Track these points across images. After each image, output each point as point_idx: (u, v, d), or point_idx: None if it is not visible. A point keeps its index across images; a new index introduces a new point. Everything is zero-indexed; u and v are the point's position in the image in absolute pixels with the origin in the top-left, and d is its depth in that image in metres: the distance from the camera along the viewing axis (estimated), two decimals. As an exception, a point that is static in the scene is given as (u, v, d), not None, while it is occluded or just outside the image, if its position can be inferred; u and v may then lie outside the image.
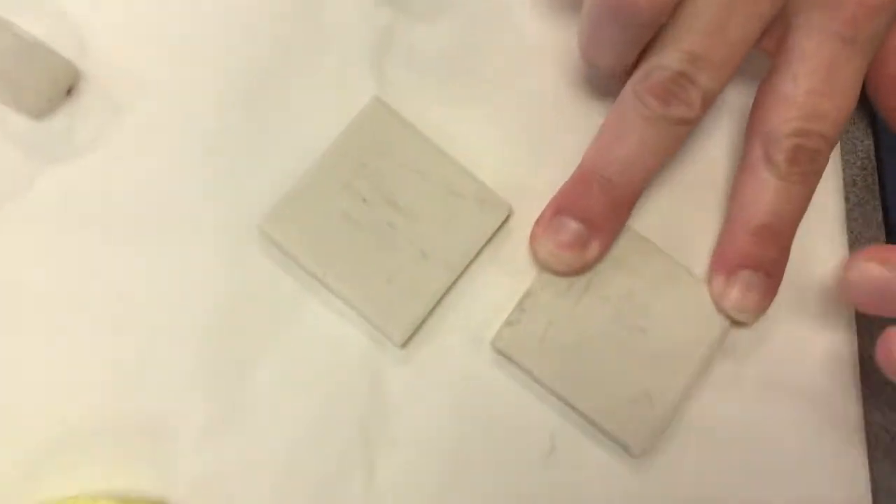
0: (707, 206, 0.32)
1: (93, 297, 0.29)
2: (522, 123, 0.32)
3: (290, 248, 0.30)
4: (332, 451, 0.29)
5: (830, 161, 0.32)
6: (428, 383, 0.30)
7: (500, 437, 0.30)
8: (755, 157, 0.29)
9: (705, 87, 0.27)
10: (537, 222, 0.30)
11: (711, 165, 0.33)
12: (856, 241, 0.33)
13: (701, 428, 0.30)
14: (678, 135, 0.28)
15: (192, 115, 0.31)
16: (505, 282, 0.31)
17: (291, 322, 0.30)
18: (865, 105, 0.34)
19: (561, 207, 0.29)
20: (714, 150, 0.33)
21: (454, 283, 0.30)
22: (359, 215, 0.30)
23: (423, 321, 0.30)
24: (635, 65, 0.29)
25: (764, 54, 0.30)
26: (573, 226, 0.29)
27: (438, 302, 0.30)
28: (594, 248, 0.29)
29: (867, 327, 0.32)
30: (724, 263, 0.30)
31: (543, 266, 0.30)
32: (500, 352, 0.30)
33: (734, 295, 0.30)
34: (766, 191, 0.29)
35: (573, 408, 0.30)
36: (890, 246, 0.29)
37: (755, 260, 0.29)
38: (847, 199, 0.33)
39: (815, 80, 0.28)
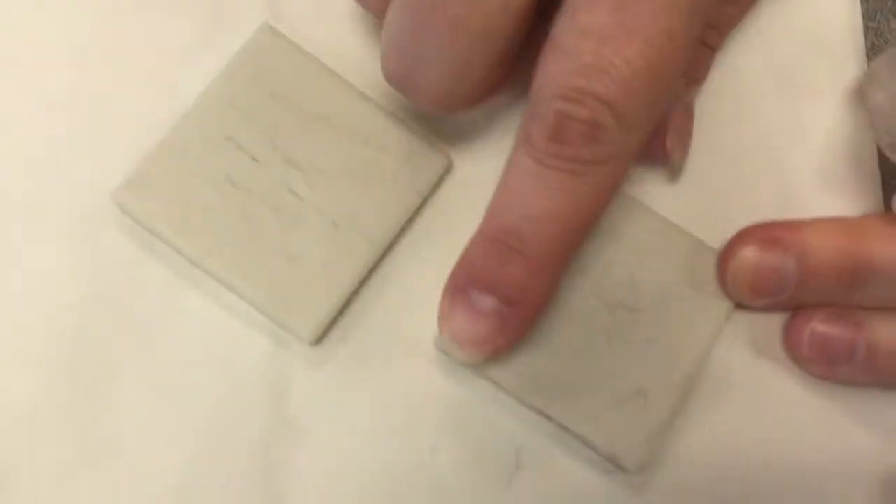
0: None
1: None
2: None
3: (155, 225, 0.23)
4: (225, 488, 0.23)
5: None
6: (348, 394, 0.24)
7: (448, 458, 0.23)
8: (518, 134, 0.21)
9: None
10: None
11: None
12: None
13: (708, 433, 0.24)
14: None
15: (28, 62, 0.25)
16: (445, 259, 0.24)
17: (164, 324, 0.23)
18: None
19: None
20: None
21: (378, 261, 0.24)
22: (247, 178, 0.23)
23: (340, 312, 0.23)
24: None
25: None
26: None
27: (359, 287, 0.24)
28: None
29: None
30: (452, 277, 0.22)
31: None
32: (444, 350, 0.23)
33: (455, 321, 0.21)
34: (518, 181, 0.21)
35: (543, 415, 0.23)
36: (773, 222, 0.24)
37: (489, 278, 0.21)
38: None
39: (598, 13, 0.19)
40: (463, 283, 0.21)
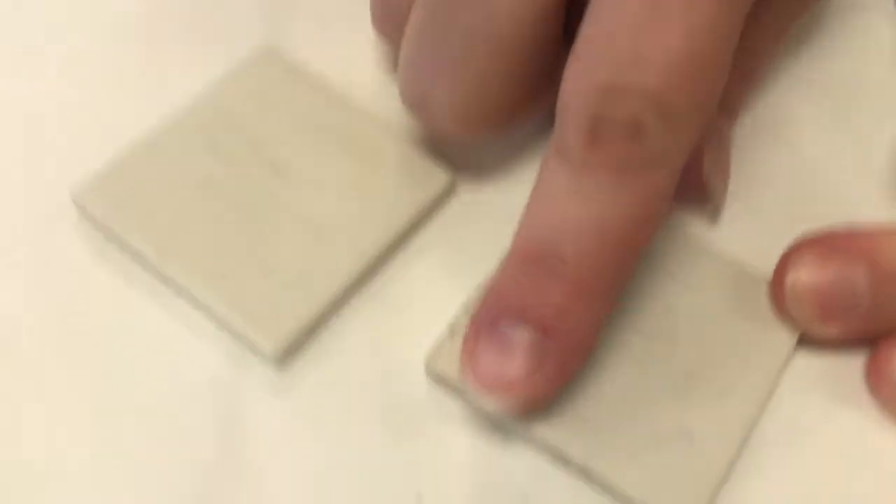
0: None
1: None
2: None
3: (112, 225, 0.20)
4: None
5: None
6: (314, 431, 0.19)
7: (438, 509, 0.18)
8: (552, 141, 0.18)
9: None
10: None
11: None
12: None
13: (770, 490, 0.19)
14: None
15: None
16: (440, 281, 0.21)
17: (108, 337, 0.20)
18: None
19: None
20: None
21: (365, 279, 0.21)
22: (225, 185, 0.21)
23: (313, 328, 0.20)
24: None
25: None
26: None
27: (340, 304, 0.20)
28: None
29: None
30: (478, 312, 0.18)
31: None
32: (437, 377, 0.19)
33: (480, 360, 0.18)
34: (551, 194, 0.18)
35: (559, 455, 0.18)
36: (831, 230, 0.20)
37: (521, 305, 0.18)
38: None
39: (630, 3, 0.17)
40: (491, 316, 0.18)
